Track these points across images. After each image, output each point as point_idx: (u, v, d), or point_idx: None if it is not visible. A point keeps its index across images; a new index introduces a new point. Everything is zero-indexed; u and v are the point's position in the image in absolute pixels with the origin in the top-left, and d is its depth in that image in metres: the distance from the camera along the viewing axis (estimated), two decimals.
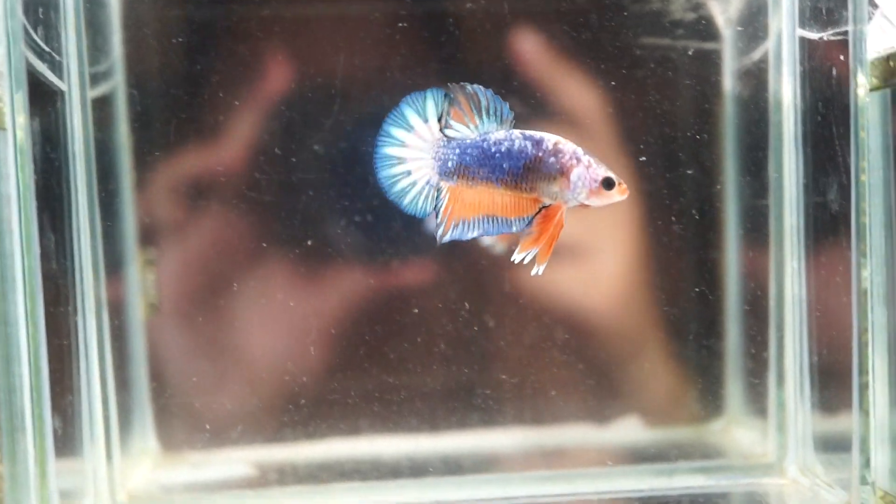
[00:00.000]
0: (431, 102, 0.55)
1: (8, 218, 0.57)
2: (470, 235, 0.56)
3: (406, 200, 0.56)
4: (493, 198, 0.56)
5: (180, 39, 0.73)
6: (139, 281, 0.73)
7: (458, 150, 0.56)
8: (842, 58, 0.57)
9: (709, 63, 0.71)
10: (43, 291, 0.58)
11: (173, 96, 0.73)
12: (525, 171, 0.55)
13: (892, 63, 0.51)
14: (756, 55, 0.69)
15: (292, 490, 0.70)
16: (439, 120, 0.56)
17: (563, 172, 0.55)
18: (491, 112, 0.55)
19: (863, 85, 0.55)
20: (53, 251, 0.61)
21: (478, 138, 0.55)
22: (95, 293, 0.66)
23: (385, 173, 0.56)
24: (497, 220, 0.56)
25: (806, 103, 0.63)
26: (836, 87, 0.58)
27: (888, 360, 0.55)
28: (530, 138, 0.55)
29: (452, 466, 0.72)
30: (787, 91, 0.66)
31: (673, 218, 0.73)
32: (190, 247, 0.75)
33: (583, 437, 0.75)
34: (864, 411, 0.58)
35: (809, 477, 0.65)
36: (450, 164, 0.56)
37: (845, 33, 0.56)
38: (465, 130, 0.55)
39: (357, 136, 0.73)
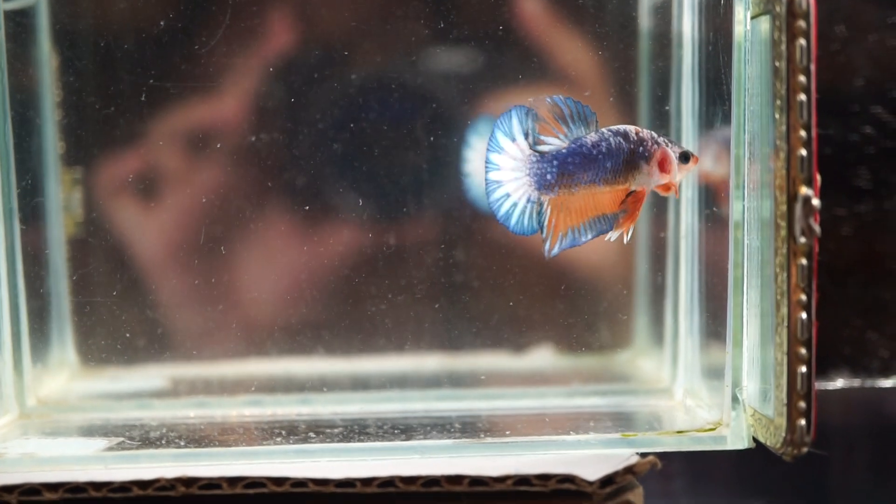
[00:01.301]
0: (516, 121, 0.57)
1: None
2: (584, 240, 0.58)
3: (512, 222, 0.58)
4: (595, 198, 0.58)
5: None
6: (62, 197, 0.73)
7: (555, 162, 0.57)
8: None
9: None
10: None
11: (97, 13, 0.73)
12: (624, 166, 0.57)
13: None
14: None
15: (197, 400, 0.71)
16: (526, 137, 0.57)
17: (650, 158, 0.57)
18: (576, 118, 0.57)
19: (740, 15, 0.56)
20: None
21: (573, 145, 0.56)
22: (4, 205, 0.67)
23: (487, 190, 0.58)
24: (604, 219, 0.58)
25: (701, 35, 0.64)
26: (724, 18, 0.59)
27: (761, 293, 0.56)
28: (618, 133, 0.58)
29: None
30: (686, 25, 0.66)
31: None
32: (116, 167, 0.75)
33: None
34: (736, 340, 0.59)
35: (694, 399, 0.67)
36: (549, 176, 0.58)
37: None
38: (556, 142, 0.57)
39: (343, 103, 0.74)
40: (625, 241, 0.59)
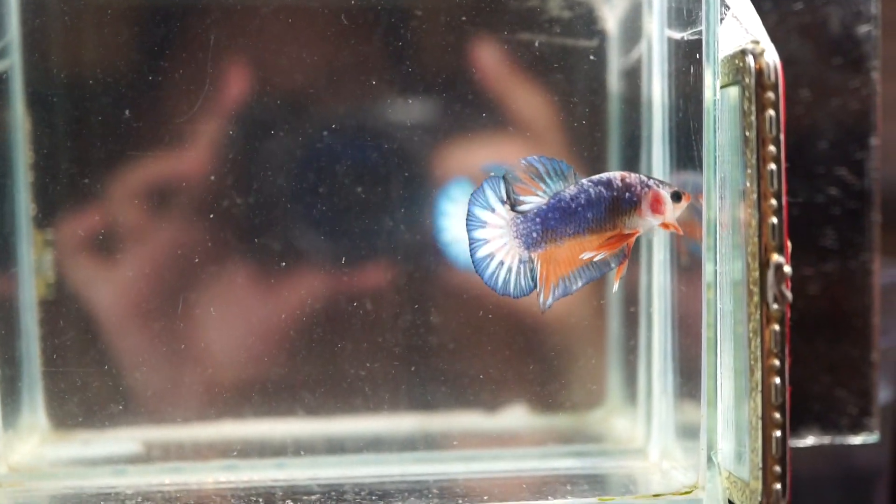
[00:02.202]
0: (491, 192, 0.58)
1: None
2: (576, 288, 0.59)
3: (500, 283, 0.58)
4: (582, 247, 0.58)
5: (82, 22, 0.73)
6: (34, 260, 0.73)
7: (538, 220, 0.58)
8: (697, 56, 0.59)
9: (596, 64, 0.73)
10: None
11: (72, 79, 0.73)
12: (607, 214, 0.57)
13: (738, 61, 0.53)
14: (634, 55, 0.71)
15: (171, 466, 0.71)
16: (505, 203, 0.58)
17: (640, 202, 0.57)
18: (552, 174, 0.58)
19: (710, 84, 0.57)
20: None
21: (552, 200, 0.57)
22: None
23: (479, 269, 0.58)
24: (593, 266, 0.58)
25: (671, 101, 0.65)
26: (694, 85, 0.61)
27: (734, 354, 0.57)
28: (600, 182, 0.58)
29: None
30: (656, 89, 0.68)
31: None
32: (89, 229, 0.75)
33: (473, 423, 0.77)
34: (710, 402, 0.60)
35: (669, 460, 0.67)
36: (534, 234, 0.58)
37: (700, 33, 0.58)
38: (536, 199, 0.57)
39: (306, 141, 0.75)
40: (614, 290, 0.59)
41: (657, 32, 0.67)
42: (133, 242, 0.75)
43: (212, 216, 0.74)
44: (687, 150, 0.62)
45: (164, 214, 0.74)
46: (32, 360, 0.74)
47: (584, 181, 0.58)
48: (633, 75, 0.71)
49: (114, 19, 0.73)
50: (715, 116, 0.57)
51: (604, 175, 0.59)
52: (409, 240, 0.74)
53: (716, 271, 0.58)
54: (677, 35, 0.63)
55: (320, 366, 0.75)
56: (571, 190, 0.58)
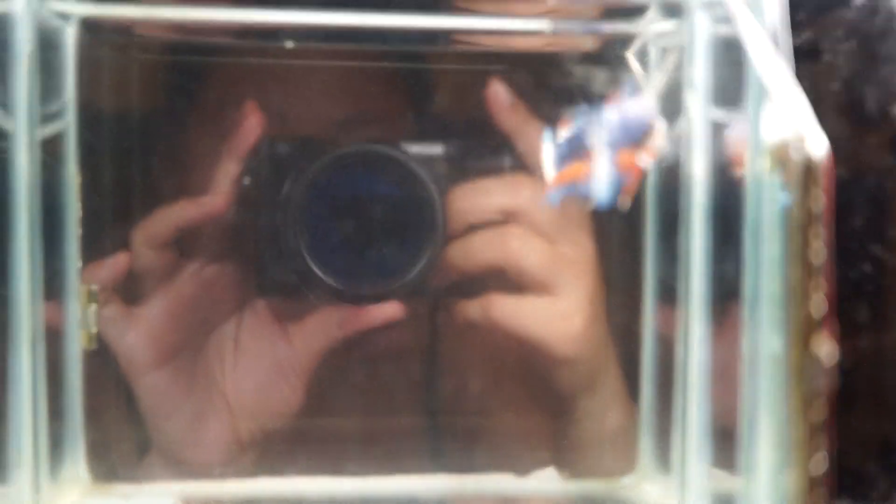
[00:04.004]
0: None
1: None
2: None
3: None
4: None
5: (133, 82, 0.75)
6: (79, 312, 0.74)
7: None
8: (742, 139, 0.60)
9: None
10: None
11: (120, 137, 0.75)
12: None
13: (784, 151, 0.55)
14: (674, 129, 0.73)
15: None
16: None
17: None
18: None
19: (759, 166, 0.59)
20: None
21: None
22: (32, 328, 0.68)
23: None
24: None
25: (714, 180, 0.67)
26: (739, 166, 0.62)
27: (774, 423, 0.58)
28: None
29: None
30: (697, 167, 0.69)
31: None
32: (133, 283, 0.77)
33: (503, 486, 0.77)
34: (750, 471, 0.61)
35: None
36: None
37: (745, 117, 0.60)
38: None
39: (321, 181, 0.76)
40: None
41: (699, 110, 0.68)
42: (163, 291, 0.76)
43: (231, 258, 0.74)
44: (725, 231, 0.63)
45: (181, 257, 0.76)
46: (75, 413, 0.75)
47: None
48: (673, 149, 0.73)
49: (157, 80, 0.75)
50: (758, 197, 0.58)
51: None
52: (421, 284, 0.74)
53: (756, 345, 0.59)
54: (720, 116, 0.65)
55: (358, 418, 0.76)
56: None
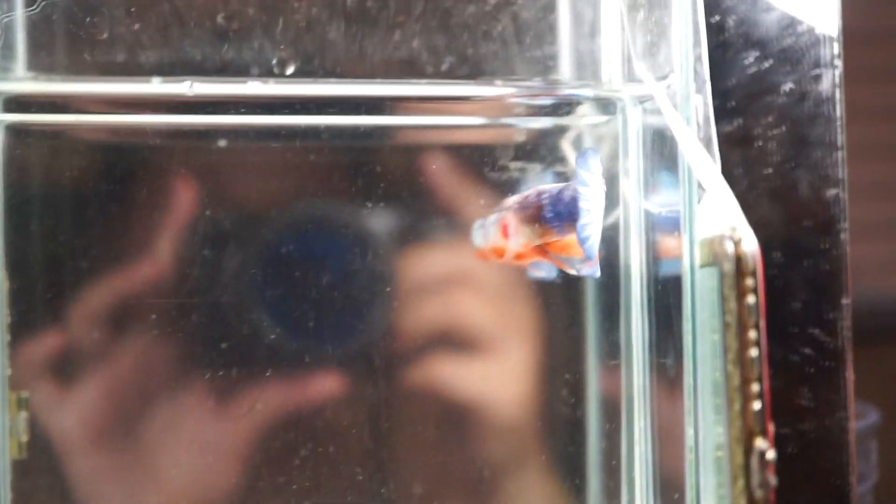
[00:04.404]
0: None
1: None
2: None
3: None
4: None
5: (61, 185, 0.74)
6: (9, 420, 0.72)
7: None
8: (676, 233, 0.60)
9: None
10: None
11: (48, 237, 0.73)
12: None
13: (717, 246, 0.55)
14: (611, 219, 0.73)
15: None
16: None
17: None
18: None
19: (692, 262, 0.59)
20: None
21: None
22: None
23: None
24: None
25: (651, 271, 0.67)
26: (674, 261, 0.62)
27: None
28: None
29: None
30: (634, 258, 0.69)
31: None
32: (67, 385, 0.75)
33: None
34: None
35: None
36: None
37: (677, 212, 0.60)
38: None
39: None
40: None
41: (634, 201, 0.69)
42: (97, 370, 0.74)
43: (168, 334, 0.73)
44: (666, 323, 0.63)
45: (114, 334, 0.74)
46: None
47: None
48: (611, 240, 0.73)
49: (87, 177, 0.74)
50: (694, 297, 0.58)
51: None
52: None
53: (696, 445, 0.59)
54: (654, 209, 0.65)
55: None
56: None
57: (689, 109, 0.58)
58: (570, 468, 0.77)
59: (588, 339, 0.76)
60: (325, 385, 0.76)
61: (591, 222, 0.58)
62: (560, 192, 0.60)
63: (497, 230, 0.60)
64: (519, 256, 0.62)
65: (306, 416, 0.75)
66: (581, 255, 0.59)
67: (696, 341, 0.58)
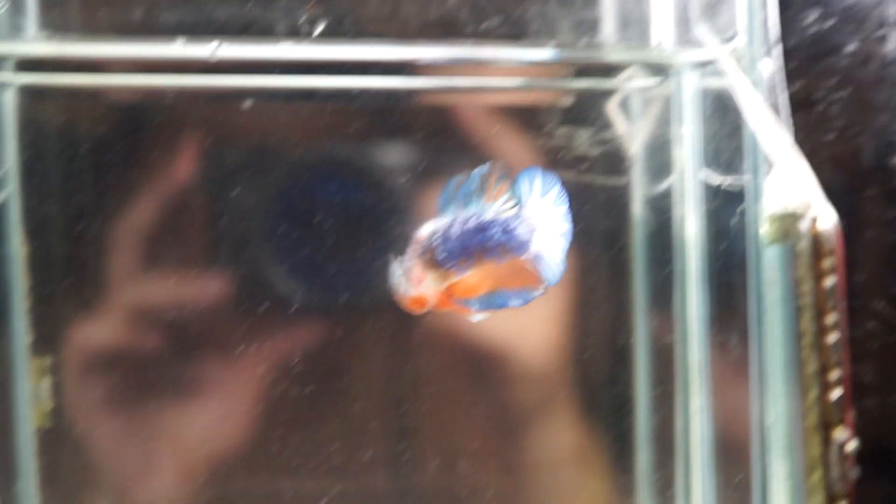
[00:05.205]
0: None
1: None
2: None
3: None
4: None
5: (78, 146, 0.71)
6: (31, 390, 0.70)
7: None
8: (740, 207, 0.57)
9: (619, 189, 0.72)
10: None
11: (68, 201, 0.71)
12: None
13: (789, 222, 0.51)
14: (662, 188, 0.69)
15: None
16: None
17: None
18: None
19: (760, 238, 0.55)
20: None
21: None
22: None
23: None
24: None
25: (710, 244, 0.64)
26: (737, 234, 0.59)
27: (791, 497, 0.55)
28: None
29: None
30: (690, 229, 0.66)
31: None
32: (90, 352, 0.72)
33: None
34: None
35: None
36: None
37: (742, 185, 0.57)
38: None
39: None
40: None
41: (690, 170, 0.65)
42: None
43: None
44: (728, 300, 0.60)
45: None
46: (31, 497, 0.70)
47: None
48: (663, 212, 0.70)
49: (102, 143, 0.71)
50: (762, 275, 0.55)
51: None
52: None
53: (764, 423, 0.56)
54: (715, 180, 0.62)
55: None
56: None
57: (756, 74, 0.54)
58: (617, 442, 0.75)
59: (636, 314, 0.73)
60: (348, 331, 0.73)
61: (542, 245, 0.52)
62: (465, 224, 0.53)
63: (407, 278, 0.54)
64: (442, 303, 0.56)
65: (329, 362, 0.73)
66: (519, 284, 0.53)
67: (764, 322, 0.55)
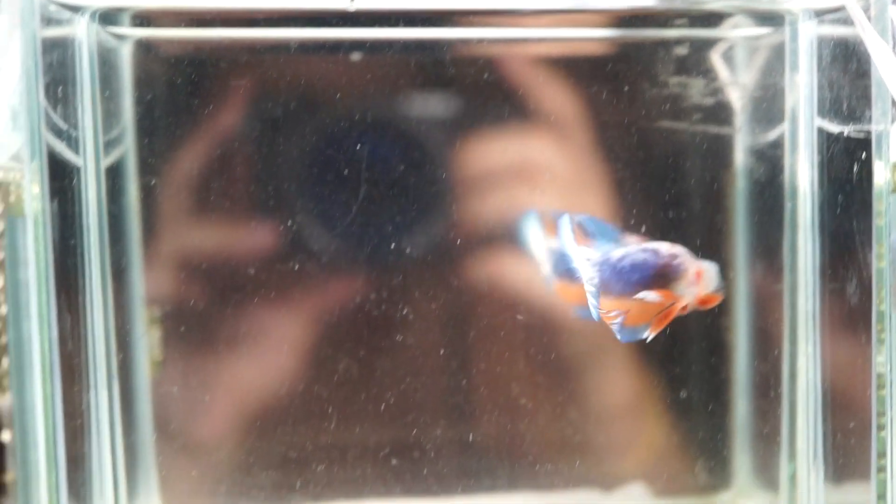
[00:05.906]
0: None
1: (27, 304, 0.56)
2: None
3: None
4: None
5: (192, 99, 0.72)
6: (144, 341, 0.72)
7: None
8: (863, 155, 0.57)
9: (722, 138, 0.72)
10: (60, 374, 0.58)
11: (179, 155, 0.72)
12: (653, 279, 0.55)
13: None
14: (771, 136, 0.69)
15: None
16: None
17: (686, 272, 0.55)
18: (601, 234, 0.56)
19: (885, 185, 0.55)
20: (69, 332, 0.60)
21: (602, 257, 0.56)
22: (107, 367, 0.66)
23: None
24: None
25: (824, 192, 0.64)
26: (857, 182, 0.59)
27: None
28: (647, 249, 0.56)
29: None
30: (802, 177, 0.66)
31: None
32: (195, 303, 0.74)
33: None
34: (881, 495, 0.58)
35: None
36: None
37: (867, 132, 0.56)
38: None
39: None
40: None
41: (804, 119, 0.65)
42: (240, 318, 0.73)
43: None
44: (845, 242, 0.60)
45: None
46: (147, 444, 0.73)
47: (633, 247, 0.56)
48: (769, 158, 0.69)
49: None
50: (886, 225, 0.55)
51: (651, 243, 0.56)
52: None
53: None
54: (835, 128, 0.61)
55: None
56: (619, 251, 0.56)
57: (885, 21, 0.54)
58: (713, 391, 0.75)
59: (737, 262, 0.73)
60: (404, 281, 0.74)
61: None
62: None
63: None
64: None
65: (384, 314, 0.74)
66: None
67: (885, 271, 0.55)
